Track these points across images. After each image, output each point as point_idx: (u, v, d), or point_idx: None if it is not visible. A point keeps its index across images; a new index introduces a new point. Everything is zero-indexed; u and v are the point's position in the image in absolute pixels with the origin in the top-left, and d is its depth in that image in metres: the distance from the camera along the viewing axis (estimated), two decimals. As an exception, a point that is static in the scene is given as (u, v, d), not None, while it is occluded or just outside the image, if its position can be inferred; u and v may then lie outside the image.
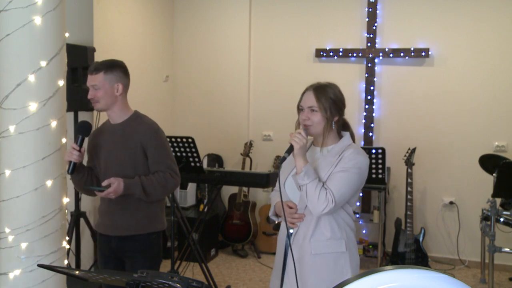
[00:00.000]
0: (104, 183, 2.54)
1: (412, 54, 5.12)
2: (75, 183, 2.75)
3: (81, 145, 2.58)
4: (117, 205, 2.70)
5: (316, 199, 2.15)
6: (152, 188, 2.64)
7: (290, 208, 2.29)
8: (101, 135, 2.76)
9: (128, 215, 2.71)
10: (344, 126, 2.39)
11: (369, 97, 5.27)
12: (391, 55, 5.19)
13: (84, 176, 2.70)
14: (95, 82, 2.62)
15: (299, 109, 2.34)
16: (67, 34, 2.47)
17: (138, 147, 2.69)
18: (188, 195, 5.48)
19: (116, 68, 2.69)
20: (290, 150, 2.22)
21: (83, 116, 4.06)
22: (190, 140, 4.02)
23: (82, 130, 2.62)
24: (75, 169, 2.58)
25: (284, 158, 2.23)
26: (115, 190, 2.53)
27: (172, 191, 2.88)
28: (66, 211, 2.55)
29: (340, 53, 5.33)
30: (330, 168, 2.24)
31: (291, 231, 2.31)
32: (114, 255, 2.78)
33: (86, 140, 2.64)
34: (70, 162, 2.56)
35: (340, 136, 2.36)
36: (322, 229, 2.25)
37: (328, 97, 2.27)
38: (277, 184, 2.55)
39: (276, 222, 2.45)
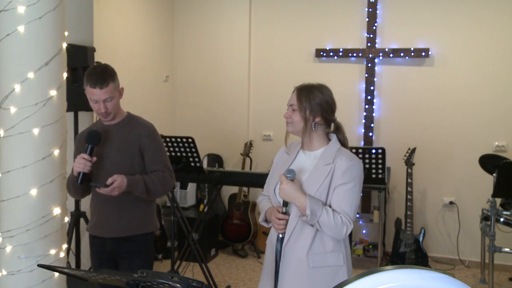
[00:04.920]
0: (108, 181, 2.53)
1: (412, 54, 5.12)
2: (75, 188, 2.71)
3: (91, 155, 2.57)
4: (112, 206, 2.70)
5: (334, 227, 2.12)
6: (153, 186, 2.65)
7: (281, 217, 2.25)
8: None
9: (124, 216, 2.71)
10: (338, 130, 2.34)
11: (369, 97, 5.27)
12: (391, 55, 5.19)
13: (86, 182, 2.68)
14: (109, 94, 2.59)
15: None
16: (67, 34, 2.47)
17: (135, 148, 2.70)
18: (188, 195, 5.48)
19: (115, 73, 2.67)
20: (286, 203, 2.21)
21: (83, 116, 4.06)
22: (190, 140, 4.02)
23: (91, 140, 2.59)
24: (84, 179, 2.58)
25: (284, 212, 2.21)
26: (119, 185, 2.52)
27: (170, 190, 2.91)
28: (66, 211, 2.54)
29: (340, 53, 5.33)
30: (325, 180, 2.19)
31: (280, 235, 2.25)
32: (108, 257, 2.78)
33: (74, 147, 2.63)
34: (79, 172, 2.55)
35: (328, 139, 2.32)
36: (325, 241, 2.20)
37: (309, 98, 2.24)
38: (265, 188, 2.53)
39: (268, 226, 2.43)
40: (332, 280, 2.20)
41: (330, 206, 2.17)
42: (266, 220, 2.39)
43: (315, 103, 2.24)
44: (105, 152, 2.69)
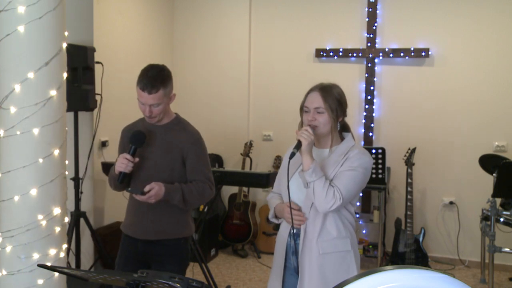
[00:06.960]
0: (146, 188, 2.50)
1: (412, 54, 5.12)
2: (116, 186, 2.69)
3: (133, 156, 2.55)
4: (147, 208, 2.66)
5: (324, 196, 2.16)
6: (191, 196, 2.61)
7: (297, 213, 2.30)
8: None
9: (160, 220, 2.67)
10: (344, 127, 2.39)
11: (369, 97, 5.27)
12: (391, 55, 5.19)
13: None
14: (156, 100, 2.55)
15: (304, 110, 2.33)
16: (67, 34, 2.47)
17: (178, 153, 2.65)
18: (188, 195, 5.47)
19: (170, 78, 2.63)
20: (299, 146, 2.22)
21: (83, 116, 4.06)
22: (190, 140, 4.02)
23: (136, 141, 2.56)
24: (124, 179, 2.57)
25: (293, 154, 2.22)
26: (156, 194, 2.50)
27: (207, 201, 2.85)
28: (66, 211, 2.54)
29: (340, 53, 5.33)
30: (336, 168, 2.25)
31: (294, 230, 2.31)
32: (138, 258, 2.74)
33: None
34: (120, 172, 2.54)
35: (342, 137, 2.37)
36: (328, 229, 2.26)
37: (335, 98, 2.29)
38: (274, 185, 2.55)
39: (278, 222, 2.46)
40: (340, 265, 2.26)
41: None
42: (276, 217, 2.44)
43: (339, 103, 2.30)
44: (147, 153, 2.65)
